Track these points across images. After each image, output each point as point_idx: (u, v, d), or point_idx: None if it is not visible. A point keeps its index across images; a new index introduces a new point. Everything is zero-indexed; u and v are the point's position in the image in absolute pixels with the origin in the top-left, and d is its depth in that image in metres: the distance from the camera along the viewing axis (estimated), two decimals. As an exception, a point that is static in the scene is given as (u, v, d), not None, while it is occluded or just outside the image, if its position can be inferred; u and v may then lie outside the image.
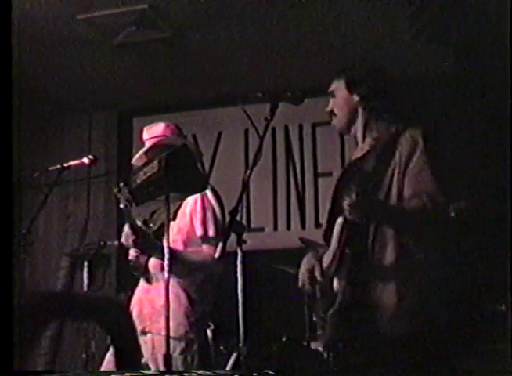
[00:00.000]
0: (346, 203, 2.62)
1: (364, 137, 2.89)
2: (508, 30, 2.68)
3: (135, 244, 3.35)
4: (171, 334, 3.14)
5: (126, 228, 3.36)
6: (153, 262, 3.45)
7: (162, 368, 3.20)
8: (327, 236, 2.84)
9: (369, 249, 2.65)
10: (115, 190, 3.24)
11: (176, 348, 3.31)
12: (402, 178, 2.68)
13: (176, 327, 3.29)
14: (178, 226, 3.49)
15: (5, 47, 2.64)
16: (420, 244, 2.63)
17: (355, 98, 2.87)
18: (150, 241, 3.39)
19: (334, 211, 2.86)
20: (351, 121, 2.91)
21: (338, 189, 2.90)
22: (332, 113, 2.94)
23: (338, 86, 2.92)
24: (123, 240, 3.39)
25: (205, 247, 3.43)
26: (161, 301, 3.18)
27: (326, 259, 2.78)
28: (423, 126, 2.78)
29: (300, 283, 2.92)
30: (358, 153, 2.89)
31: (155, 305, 3.40)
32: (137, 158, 3.61)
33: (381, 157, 2.73)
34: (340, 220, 2.70)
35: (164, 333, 3.01)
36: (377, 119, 2.88)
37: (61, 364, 4.94)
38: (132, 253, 3.46)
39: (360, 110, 2.88)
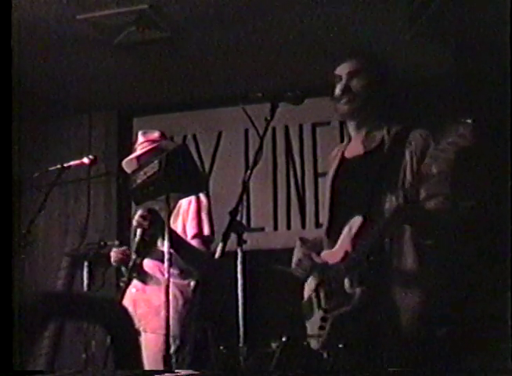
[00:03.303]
0: (387, 207, 2.56)
1: (368, 132, 2.82)
2: (508, 30, 2.68)
3: (151, 224, 3.32)
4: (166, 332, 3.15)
5: (141, 211, 3.32)
6: (148, 263, 3.47)
7: (153, 367, 3.21)
8: (330, 234, 2.82)
9: (387, 251, 2.59)
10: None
11: (170, 348, 3.32)
12: (413, 178, 2.62)
13: (171, 326, 3.30)
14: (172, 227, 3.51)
15: (5, 47, 2.64)
16: (438, 245, 2.58)
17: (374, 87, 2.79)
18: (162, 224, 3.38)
19: (336, 208, 2.82)
20: (363, 108, 2.80)
21: (337, 185, 2.86)
22: (346, 92, 2.79)
23: (360, 68, 2.82)
24: (136, 221, 3.34)
25: (197, 243, 3.47)
26: (158, 300, 3.18)
27: (331, 257, 2.73)
28: (432, 126, 2.70)
29: (293, 265, 2.93)
30: (358, 149, 2.83)
31: (151, 305, 3.41)
32: (127, 161, 3.63)
33: (391, 156, 2.65)
34: (357, 219, 2.64)
35: (159, 332, 3.02)
36: (389, 113, 2.81)
37: (61, 364, 4.94)
38: (115, 254, 3.50)
39: (375, 100, 2.80)
